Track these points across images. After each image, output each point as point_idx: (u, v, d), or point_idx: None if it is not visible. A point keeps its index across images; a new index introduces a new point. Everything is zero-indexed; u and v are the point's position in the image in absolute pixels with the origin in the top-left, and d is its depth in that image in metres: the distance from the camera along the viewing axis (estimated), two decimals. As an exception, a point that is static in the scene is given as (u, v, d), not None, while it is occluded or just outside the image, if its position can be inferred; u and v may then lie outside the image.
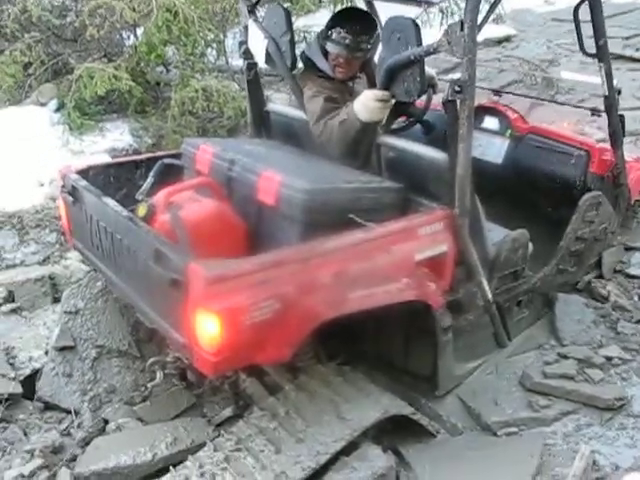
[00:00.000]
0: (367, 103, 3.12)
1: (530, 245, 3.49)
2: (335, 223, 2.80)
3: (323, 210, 2.86)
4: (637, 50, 9.83)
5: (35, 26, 7.63)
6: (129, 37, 7.87)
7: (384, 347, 3.37)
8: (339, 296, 2.68)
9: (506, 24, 10.35)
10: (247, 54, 3.86)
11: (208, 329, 2.45)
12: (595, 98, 3.88)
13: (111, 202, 3.11)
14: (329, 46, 3.45)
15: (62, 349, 3.58)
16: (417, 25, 2.94)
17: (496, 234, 3.38)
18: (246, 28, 3.85)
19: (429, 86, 3.31)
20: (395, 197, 3.11)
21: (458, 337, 3.21)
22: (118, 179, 3.73)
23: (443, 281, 3.05)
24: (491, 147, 4.37)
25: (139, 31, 7.57)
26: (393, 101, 3.15)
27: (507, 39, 10.77)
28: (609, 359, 3.48)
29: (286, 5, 3.67)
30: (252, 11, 3.81)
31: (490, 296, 3.30)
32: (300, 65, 3.69)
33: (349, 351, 3.32)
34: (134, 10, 6.97)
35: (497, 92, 4.76)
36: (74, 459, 3.13)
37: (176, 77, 7.24)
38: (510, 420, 3.20)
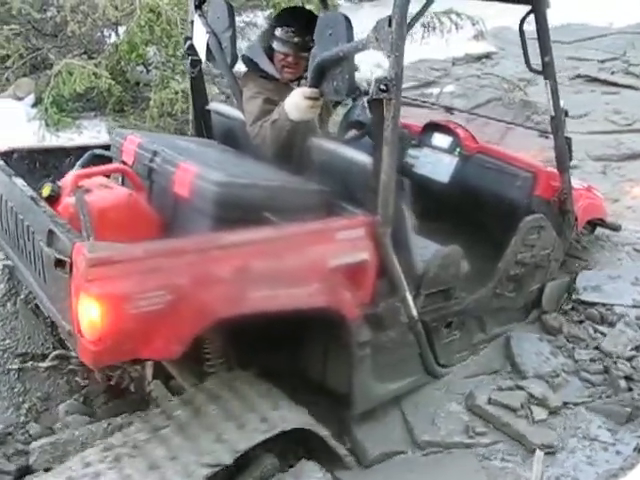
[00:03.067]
0: (297, 102, 3.06)
1: (465, 263, 3.34)
2: (248, 220, 2.64)
3: (235, 205, 2.73)
4: (612, 73, 10.03)
5: (15, 19, 7.55)
6: (110, 35, 7.82)
7: (302, 360, 3.17)
8: (238, 293, 2.52)
9: (487, 41, 10.48)
10: (191, 50, 3.77)
11: (89, 315, 2.28)
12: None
13: (20, 182, 2.99)
14: (276, 45, 3.42)
15: None
16: (349, 21, 2.82)
17: (429, 251, 3.25)
18: (192, 23, 3.76)
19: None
20: (317, 200, 2.97)
21: (378, 354, 3.04)
22: (44, 166, 3.59)
23: (362, 292, 2.88)
24: (439, 165, 4.29)
25: (121, 29, 7.53)
26: (322, 100, 3.08)
27: (487, 56, 10.91)
28: (565, 404, 3.34)
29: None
30: (199, 6, 3.71)
31: (415, 313, 3.12)
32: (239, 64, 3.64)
33: (266, 362, 3.09)
34: (116, 8, 6.94)
35: (450, 110, 4.70)
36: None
37: (156, 78, 7.21)
38: (441, 442, 3.10)
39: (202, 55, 3.71)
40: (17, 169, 3.24)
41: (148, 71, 7.76)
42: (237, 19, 4.22)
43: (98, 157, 3.38)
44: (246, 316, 2.54)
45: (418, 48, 7.90)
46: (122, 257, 2.33)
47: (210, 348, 2.94)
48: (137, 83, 7.54)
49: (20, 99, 7.27)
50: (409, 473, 2.99)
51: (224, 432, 2.56)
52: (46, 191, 2.91)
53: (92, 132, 6.82)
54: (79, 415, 3.22)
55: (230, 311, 2.51)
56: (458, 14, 8.50)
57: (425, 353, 3.33)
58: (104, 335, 2.30)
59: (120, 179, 3.30)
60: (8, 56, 7.29)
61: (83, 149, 3.54)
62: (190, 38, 3.77)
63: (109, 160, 3.40)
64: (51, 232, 2.52)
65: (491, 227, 3.79)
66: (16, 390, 3.32)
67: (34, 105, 7.10)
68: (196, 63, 3.81)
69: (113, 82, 6.74)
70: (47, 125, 6.70)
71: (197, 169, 2.84)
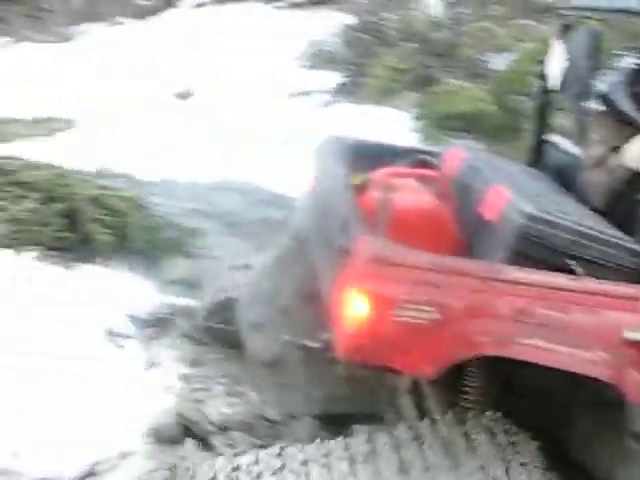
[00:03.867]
0: None
1: None
2: (548, 261, 2.47)
3: (538, 242, 2.54)
4: None
5: (413, 37, 8.14)
6: (495, 61, 8.02)
7: (564, 429, 2.85)
8: (511, 335, 2.36)
9: None
10: (543, 77, 3.59)
11: (354, 308, 2.26)
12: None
13: (338, 167, 3.04)
14: None
15: None
16: None
17: None
18: (552, 48, 3.55)
19: None
20: (634, 262, 2.63)
21: None
22: (372, 159, 3.51)
23: None
24: None
25: (507, 56, 7.67)
26: None
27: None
28: None
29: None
30: (564, 32, 3.48)
31: None
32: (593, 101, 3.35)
33: (527, 415, 2.81)
34: (514, 38, 7.08)
35: None
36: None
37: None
38: None
39: (554, 83, 3.54)
40: (343, 157, 3.25)
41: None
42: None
43: (424, 162, 3.34)
44: (514, 361, 2.39)
45: None
46: (403, 262, 2.29)
47: (472, 382, 2.78)
48: (517, 112, 7.63)
49: (402, 110, 7.83)
50: None
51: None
52: (356, 180, 2.93)
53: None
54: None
55: (497, 350, 2.38)
56: None
57: None
58: (362, 332, 2.29)
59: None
60: (402, 70, 7.89)
61: (413, 151, 3.56)
62: (545, 63, 3.58)
63: (434, 168, 3.36)
64: (345, 219, 2.56)
65: None
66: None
67: (416, 118, 7.58)
68: (544, 90, 3.65)
69: (496, 107, 6.91)
70: (425, 139, 7.11)
71: (510, 195, 2.71)
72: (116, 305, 4.19)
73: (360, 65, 8.87)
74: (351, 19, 10.71)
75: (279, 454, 2.62)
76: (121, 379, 3.55)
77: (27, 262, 4.53)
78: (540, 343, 2.38)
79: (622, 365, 2.46)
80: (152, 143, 6.68)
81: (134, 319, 4.16)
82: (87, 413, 3.29)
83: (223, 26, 12.23)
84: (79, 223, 4.60)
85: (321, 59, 10.14)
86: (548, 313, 2.39)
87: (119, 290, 4.35)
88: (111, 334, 3.95)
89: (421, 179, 3.16)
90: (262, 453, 2.67)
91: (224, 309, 3.89)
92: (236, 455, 2.75)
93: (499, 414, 2.72)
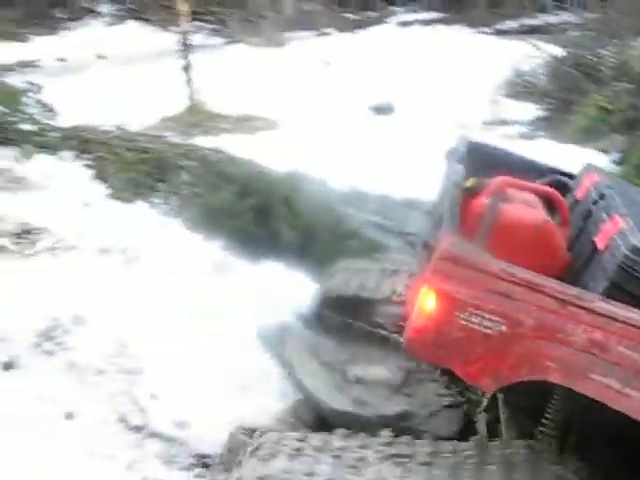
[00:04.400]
0: None
1: None
2: None
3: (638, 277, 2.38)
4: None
5: (627, 77, 7.68)
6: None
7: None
8: (580, 366, 2.22)
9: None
10: None
11: (424, 303, 2.27)
12: None
13: (458, 168, 2.95)
14: None
15: None
16: None
17: None
18: None
19: None
20: None
21: None
22: (506, 169, 3.38)
23: None
24: None
25: None
26: None
27: None
28: None
29: None
30: None
31: None
32: None
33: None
34: None
35: None
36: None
37: None
38: None
39: None
40: (468, 159, 3.15)
41: None
42: None
43: (558, 182, 3.25)
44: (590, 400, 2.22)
45: None
46: (478, 266, 2.24)
47: (552, 415, 2.59)
48: None
49: (604, 152, 7.40)
50: None
51: None
52: (469, 183, 2.86)
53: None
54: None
55: (563, 379, 2.26)
56: None
57: None
58: (426, 328, 2.29)
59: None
60: (611, 111, 7.47)
61: (552, 170, 3.44)
62: None
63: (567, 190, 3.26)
64: (440, 218, 2.55)
65: None
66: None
67: (616, 162, 7.13)
68: None
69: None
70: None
71: (625, 226, 2.57)
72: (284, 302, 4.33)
73: (564, 100, 8.51)
74: (560, 51, 10.33)
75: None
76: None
77: (214, 251, 4.81)
78: (613, 383, 2.22)
79: None
80: (348, 152, 6.83)
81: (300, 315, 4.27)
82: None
83: (427, 46, 12.32)
84: (268, 220, 4.80)
85: (522, 89, 9.88)
86: (626, 354, 2.21)
87: (292, 287, 4.48)
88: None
89: (542, 197, 3.00)
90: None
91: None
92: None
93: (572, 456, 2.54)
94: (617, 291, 2.41)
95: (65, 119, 7.34)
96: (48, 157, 6.63)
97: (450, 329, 2.29)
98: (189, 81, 8.17)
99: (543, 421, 2.61)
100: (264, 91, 9.22)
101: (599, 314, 2.24)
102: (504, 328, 2.25)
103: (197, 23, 12.90)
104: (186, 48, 8.38)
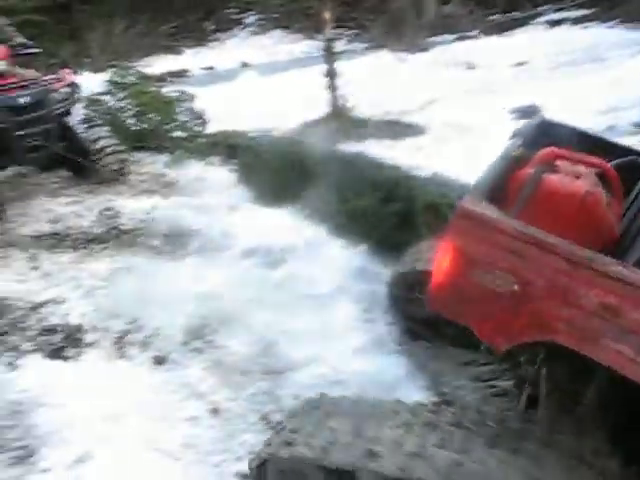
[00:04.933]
0: None
1: None
2: None
3: None
4: None
5: None
6: None
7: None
8: (590, 330, 2.16)
9: None
10: None
11: (442, 259, 2.38)
12: None
13: (516, 141, 2.96)
14: None
15: None
16: None
17: None
18: None
19: None
20: None
21: None
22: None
23: None
24: None
25: None
26: None
27: None
28: None
29: None
30: None
31: None
32: None
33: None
34: None
35: None
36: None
37: None
38: None
39: None
40: (542, 139, 3.06)
41: None
42: None
43: (635, 164, 3.06)
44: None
45: None
46: (493, 223, 2.29)
47: (595, 395, 2.48)
48: None
49: None
50: None
51: None
52: (516, 152, 2.89)
53: None
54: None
55: (573, 343, 2.21)
56: None
57: None
58: (442, 283, 2.38)
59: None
60: None
61: (631, 152, 3.22)
62: None
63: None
64: (477, 183, 2.60)
65: None
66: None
67: None
68: None
69: None
70: None
71: None
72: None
73: None
74: None
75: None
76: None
77: (355, 255, 4.79)
78: (626, 350, 2.12)
79: None
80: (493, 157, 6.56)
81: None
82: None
83: (576, 45, 11.69)
84: (412, 226, 4.68)
85: None
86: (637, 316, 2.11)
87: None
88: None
89: (589, 167, 2.82)
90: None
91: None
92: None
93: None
94: None
95: (213, 125, 7.67)
96: (197, 162, 6.97)
97: (465, 286, 2.35)
98: (332, 87, 8.22)
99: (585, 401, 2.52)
100: (408, 95, 9.11)
101: (611, 277, 2.15)
102: (516, 287, 2.27)
103: (339, 29, 13.02)
104: (330, 54, 8.44)
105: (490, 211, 2.35)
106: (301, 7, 14.29)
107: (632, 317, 2.12)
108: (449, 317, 2.64)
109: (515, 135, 3.13)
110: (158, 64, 13.76)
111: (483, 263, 2.31)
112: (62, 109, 6.41)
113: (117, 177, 6.56)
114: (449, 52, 12.20)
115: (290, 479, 2.36)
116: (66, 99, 6.48)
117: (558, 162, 2.74)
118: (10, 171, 6.58)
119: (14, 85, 6.17)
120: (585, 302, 2.19)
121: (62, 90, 6.45)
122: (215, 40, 16.18)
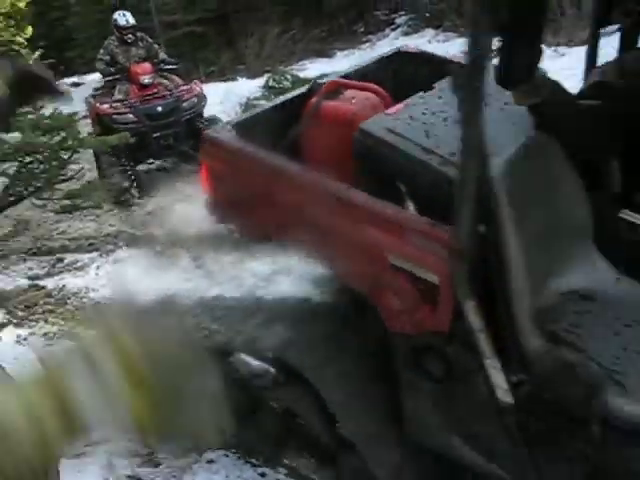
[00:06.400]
0: None
1: None
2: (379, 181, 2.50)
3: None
4: None
5: None
6: None
7: None
8: (286, 225, 2.63)
9: None
10: None
11: (202, 177, 3.03)
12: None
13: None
14: None
15: None
16: None
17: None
18: None
19: None
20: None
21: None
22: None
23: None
24: None
25: None
26: None
27: None
28: None
29: None
30: None
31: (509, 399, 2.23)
32: None
33: None
34: None
35: None
36: None
37: None
38: None
39: None
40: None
41: None
42: None
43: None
44: None
45: None
46: (224, 145, 2.83)
47: None
48: None
49: None
50: None
51: None
52: (310, 84, 3.18)
53: None
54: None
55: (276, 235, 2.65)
56: None
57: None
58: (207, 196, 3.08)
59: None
60: None
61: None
62: None
63: None
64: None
65: None
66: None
67: None
68: None
69: None
70: None
71: None
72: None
73: None
74: None
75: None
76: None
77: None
78: (310, 239, 2.47)
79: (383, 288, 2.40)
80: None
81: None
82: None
83: None
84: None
85: None
86: (318, 215, 2.49)
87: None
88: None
89: (375, 93, 3.11)
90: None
91: None
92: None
93: None
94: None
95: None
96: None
97: (218, 197, 2.94)
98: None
99: None
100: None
101: (294, 180, 2.61)
102: (246, 194, 2.78)
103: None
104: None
105: (226, 137, 2.85)
106: (453, 5, 14.03)
107: (311, 213, 2.53)
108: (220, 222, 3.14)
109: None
110: (312, 68, 14.09)
111: (221, 176, 2.88)
112: (189, 116, 8.15)
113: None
114: (611, 43, 11.44)
115: None
116: (192, 107, 8.19)
117: (343, 90, 3.08)
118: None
119: (153, 96, 8.08)
120: (281, 202, 2.64)
121: (191, 100, 8.19)
122: (366, 42, 16.29)
